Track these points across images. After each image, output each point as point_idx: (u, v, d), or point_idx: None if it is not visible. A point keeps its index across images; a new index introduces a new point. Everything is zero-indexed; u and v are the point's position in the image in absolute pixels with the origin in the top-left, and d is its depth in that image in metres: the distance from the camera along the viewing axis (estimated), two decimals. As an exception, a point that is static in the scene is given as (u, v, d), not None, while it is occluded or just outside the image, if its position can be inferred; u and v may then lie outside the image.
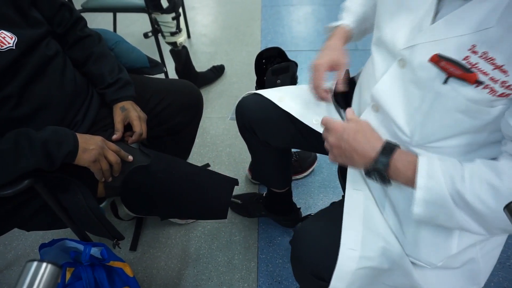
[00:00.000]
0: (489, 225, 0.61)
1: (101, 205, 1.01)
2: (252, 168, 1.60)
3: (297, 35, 2.60)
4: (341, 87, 0.84)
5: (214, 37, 2.63)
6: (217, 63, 2.27)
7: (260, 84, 1.27)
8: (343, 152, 0.71)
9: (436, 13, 0.65)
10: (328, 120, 0.75)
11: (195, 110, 1.22)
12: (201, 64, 2.29)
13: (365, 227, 0.76)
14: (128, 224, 1.48)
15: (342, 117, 0.93)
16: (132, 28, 2.71)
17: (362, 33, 0.98)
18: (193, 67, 2.07)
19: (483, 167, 0.61)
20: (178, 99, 1.17)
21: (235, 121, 1.13)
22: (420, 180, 0.63)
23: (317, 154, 1.67)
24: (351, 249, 0.73)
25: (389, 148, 0.67)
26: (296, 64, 1.22)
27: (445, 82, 0.62)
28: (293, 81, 1.21)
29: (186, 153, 1.36)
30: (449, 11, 0.62)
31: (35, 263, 0.40)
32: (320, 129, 0.94)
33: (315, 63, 0.87)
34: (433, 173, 0.62)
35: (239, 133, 1.85)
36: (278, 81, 1.18)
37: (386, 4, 0.77)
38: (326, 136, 0.75)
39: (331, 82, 0.84)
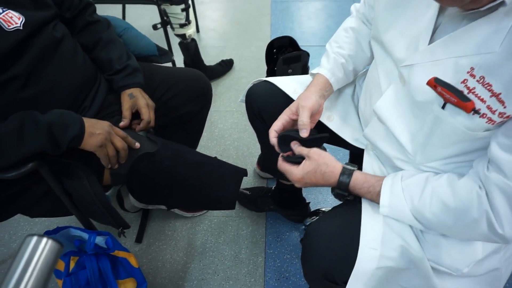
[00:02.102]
0: (450, 234, 0.68)
1: (106, 193, 0.98)
2: (262, 158, 1.57)
3: (307, 30, 2.57)
4: (303, 133, 0.81)
5: (223, 32, 2.61)
6: (226, 57, 2.25)
7: (271, 74, 1.25)
8: (310, 186, 0.81)
9: (434, 30, 0.64)
10: (286, 170, 0.81)
11: (204, 99, 1.19)
12: (210, 58, 2.27)
13: (385, 225, 0.72)
14: (134, 216, 1.46)
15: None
16: (141, 22, 2.69)
17: (349, 75, 0.94)
18: (202, 60, 2.05)
19: (445, 185, 0.64)
20: (187, 88, 1.15)
21: (244, 116, 1.11)
22: (384, 199, 0.70)
23: (327, 148, 1.63)
24: (372, 249, 0.69)
25: (344, 183, 0.75)
26: (307, 54, 1.19)
27: (443, 107, 0.61)
28: (304, 71, 1.19)
29: (194, 144, 1.33)
30: (449, 30, 0.60)
31: (35, 238, 0.38)
32: (331, 126, 0.93)
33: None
34: (395, 192, 0.69)
35: (247, 127, 1.86)
36: (290, 70, 1.16)
37: (384, 12, 0.75)
38: (292, 181, 0.82)
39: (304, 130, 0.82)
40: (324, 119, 0.94)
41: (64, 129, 0.79)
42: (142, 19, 2.72)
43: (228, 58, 2.24)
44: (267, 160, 1.26)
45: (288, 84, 0.99)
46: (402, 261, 0.70)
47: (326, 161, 0.76)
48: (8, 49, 0.79)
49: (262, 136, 1.13)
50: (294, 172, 0.78)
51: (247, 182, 1.59)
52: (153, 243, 1.39)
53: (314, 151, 0.77)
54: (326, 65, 0.91)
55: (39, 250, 0.37)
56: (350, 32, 0.93)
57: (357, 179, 0.74)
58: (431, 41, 0.64)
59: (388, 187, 0.70)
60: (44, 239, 0.38)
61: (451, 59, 0.59)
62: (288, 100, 0.95)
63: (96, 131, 0.84)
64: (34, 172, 0.80)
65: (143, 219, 1.45)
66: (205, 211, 1.47)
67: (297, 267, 1.29)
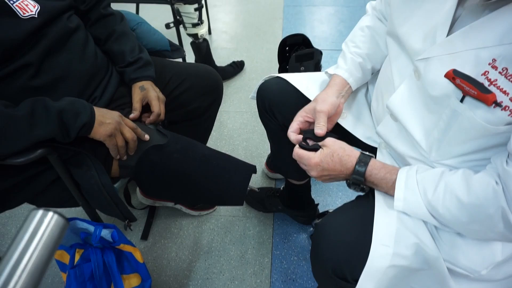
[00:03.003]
0: (465, 232, 0.66)
1: (114, 185, 0.97)
2: (271, 156, 1.55)
3: (319, 35, 2.56)
4: (317, 130, 0.81)
5: (235, 34, 2.62)
6: (237, 59, 2.25)
7: (282, 72, 1.23)
8: (326, 178, 0.78)
9: (453, 23, 0.62)
10: (303, 156, 0.78)
11: (214, 95, 1.18)
12: (221, 59, 2.27)
13: (399, 222, 0.69)
14: (141, 213, 1.45)
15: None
16: (154, 23, 2.68)
17: (367, 74, 0.93)
18: (213, 61, 2.05)
19: (460, 180, 0.62)
20: (198, 83, 1.14)
21: (253, 116, 1.10)
22: (398, 192, 0.68)
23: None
24: (384, 245, 0.67)
25: (360, 172, 0.73)
26: (320, 52, 1.18)
27: (462, 100, 0.58)
28: (317, 69, 1.17)
29: (203, 141, 1.32)
30: (469, 22, 0.58)
31: (40, 211, 0.37)
32: (344, 124, 0.92)
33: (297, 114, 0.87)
34: (410, 185, 0.67)
35: (256, 128, 1.85)
36: (302, 68, 1.14)
37: (400, 5, 0.74)
38: (306, 170, 0.80)
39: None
40: (339, 120, 0.92)
41: (75, 117, 0.78)
42: (155, 19, 2.73)
43: (239, 60, 2.24)
44: (276, 158, 1.24)
45: (300, 80, 0.97)
46: (416, 260, 0.67)
47: (343, 146, 0.76)
48: (22, 36, 0.79)
49: (272, 134, 1.12)
50: (311, 157, 0.76)
51: (256, 182, 1.57)
52: (159, 240, 1.38)
53: (329, 139, 0.77)
54: (343, 66, 0.90)
55: (45, 224, 0.36)
56: (366, 31, 0.91)
57: (375, 164, 0.73)
58: (449, 34, 0.62)
59: (403, 181, 0.68)
60: (50, 213, 0.37)
61: (471, 51, 0.57)
62: (300, 97, 0.94)
63: (106, 121, 0.83)
64: (43, 159, 0.80)
65: (149, 216, 1.44)
66: (212, 210, 1.45)
67: (304, 269, 1.26)
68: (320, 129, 0.80)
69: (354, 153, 0.75)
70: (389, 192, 0.71)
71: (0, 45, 0.75)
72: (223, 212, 1.45)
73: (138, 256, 1.03)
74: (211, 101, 1.17)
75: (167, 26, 1.81)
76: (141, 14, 2.43)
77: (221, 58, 2.32)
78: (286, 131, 1.05)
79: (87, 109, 0.81)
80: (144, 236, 1.38)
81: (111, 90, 1.00)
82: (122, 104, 1.02)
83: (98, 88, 0.97)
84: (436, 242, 0.68)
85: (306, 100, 0.93)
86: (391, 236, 0.67)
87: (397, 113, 0.72)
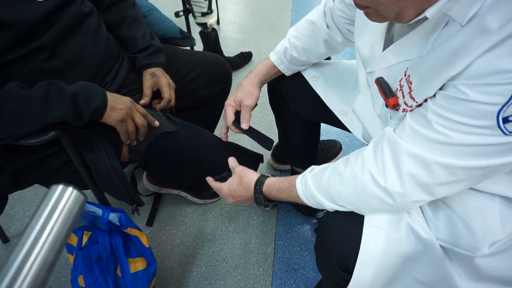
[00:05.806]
0: (357, 208, 0.69)
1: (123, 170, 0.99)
2: (279, 144, 1.56)
3: (328, 28, 2.55)
4: (244, 126, 0.94)
5: (243, 25, 2.61)
6: (245, 50, 2.25)
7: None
8: (240, 202, 0.87)
9: (391, 38, 0.69)
10: (215, 187, 0.89)
11: (223, 84, 1.19)
12: (229, 50, 2.27)
13: None
14: (146, 200, 1.47)
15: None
16: (164, 11, 2.69)
17: (301, 65, 1.00)
18: (221, 51, 2.05)
19: (341, 159, 0.70)
20: (207, 71, 1.15)
21: (260, 107, 1.14)
22: (299, 191, 0.73)
23: (342, 145, 1.62)
24: (377, 228, 0.67)
25: (258, 190, 0.80)
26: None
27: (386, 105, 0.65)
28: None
29: (210, 130, 1.33)
30: (400, 38, 0.64)
31: (60, 186, 0.38)
32: (342, 118, 0.97)
33: (225, 103, 0.98)
34: (305, 180, 0.73)
35: (263, 119, 1.85)
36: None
37: (358, 17, 0.79)
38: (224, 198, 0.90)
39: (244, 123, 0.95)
40: (337, 113, 0.98)
41: (88, 100, 0.79)
42: (165, 7, 2.72)
43: (247, 50, 2.24)
44: (284, 146, 1.26)
45: (309, 71, 1.01)
46: (410, 242, 0.67)
47: (246, 174, 0.83)
48: (36, 18, 0.80)
49: (282, 120, 1.14)
50: (221, 188, 0.87)
51: (261, 173, 1.58)
52: (164, 227, 1.40)
53: (240, 167, 0.86)
54: (277, 53, 0.97)
55: (65, 198, 0.37)
56: (310, 25, 0.94)
57: (270, 181, 0.80)
58: (384, 49, 0.68)
59: (300, 179, 0.74)
60: (70, 188, 0.38)
61: (402, 63, 0.63)
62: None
63: (118, 106, 0.84)
64: (55, 141, 0.81)
65: (155, 203, 1.45)
66: (217, 199, 1.46)
67: (306, 259, 1.28)
68: (246, 122, 0.94)
69: (255, 177, 0.82)
70: (289, 198, 0.77)
71: (14, 26, 0.76)
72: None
73: (144, 240, 1.05)
74: (220, 90, 1.18)
75: (177, 14, 1.81)
76: (151, 1, 2.43)
77: (229, 48, 2.32)
78: (296, 118, 1.11)
79: (100, 93, 0.82)
80: (150, 222, 1.39)
81: (122, 76, 1.00)
82: (132, 90, 1.03)
83: (109, 73, 0.97)
84: (431, 223, 0.67)
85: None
86: (383, 217, 0.67)
87: (360, 118, 0.82)
